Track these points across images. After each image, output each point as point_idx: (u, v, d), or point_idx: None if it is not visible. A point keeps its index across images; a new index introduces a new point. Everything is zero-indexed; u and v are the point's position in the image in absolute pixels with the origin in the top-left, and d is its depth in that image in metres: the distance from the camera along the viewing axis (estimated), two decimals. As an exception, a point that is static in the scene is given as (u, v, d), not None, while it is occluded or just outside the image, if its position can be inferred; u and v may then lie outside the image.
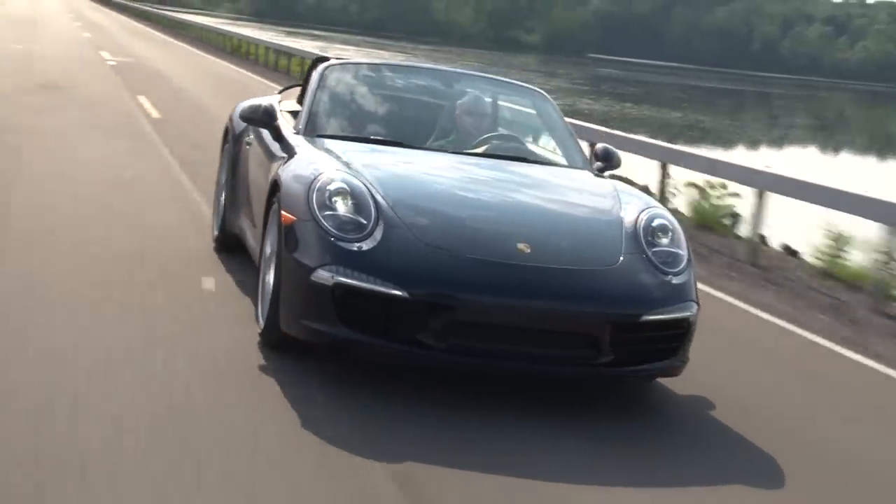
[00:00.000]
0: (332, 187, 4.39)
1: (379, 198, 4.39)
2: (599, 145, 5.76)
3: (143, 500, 3.16)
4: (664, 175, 10.89)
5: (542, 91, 6.04)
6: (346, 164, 4.69)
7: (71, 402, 3.81)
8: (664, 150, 11.32)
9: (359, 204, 4.34)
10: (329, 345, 4.26)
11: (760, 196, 9.17)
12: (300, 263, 4.25)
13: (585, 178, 5.28)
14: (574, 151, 5.56)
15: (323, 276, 4.17)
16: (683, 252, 4.57)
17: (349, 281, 4.13)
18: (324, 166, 4.63)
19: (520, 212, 4.63)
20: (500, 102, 5.97)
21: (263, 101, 5.56)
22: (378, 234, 4.25)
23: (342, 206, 4.33)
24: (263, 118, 5.35)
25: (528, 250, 4.27)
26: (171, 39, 35.35)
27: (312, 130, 5.28)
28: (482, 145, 5.37)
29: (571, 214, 4.76)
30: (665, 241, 4.55)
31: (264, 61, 26.98)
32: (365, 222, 4.28)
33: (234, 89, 17.88)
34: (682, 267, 4.50)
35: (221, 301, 5.38)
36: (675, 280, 4.42)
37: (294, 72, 23.44)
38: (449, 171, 4.99)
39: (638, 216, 4.64)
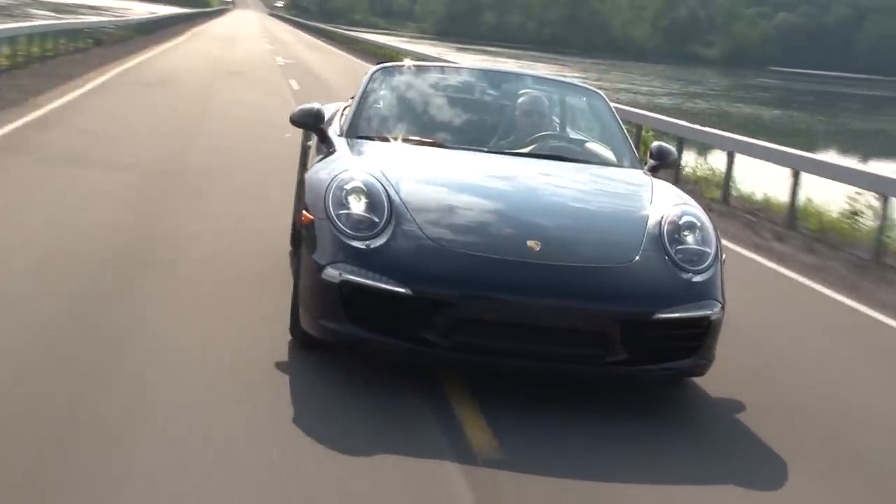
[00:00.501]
0: (348, 186, 4.52)
1: (395, 197, 4.49)
2: (655, 144, 5.82)
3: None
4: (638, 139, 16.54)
5: (596, 90, 6.17)
6: (372, 164, 4.81)
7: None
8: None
9: (373, 203, 4.45)
10: (340, 343, 4.40)
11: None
12: (314, 262, 4.39)
13: (624, 175, 5.38)
14: (623, 149, 5.66)
15: (331, 273, 4.29)
16: (710, 250, 4.58)
17: (355, 279, 4.24)
18: (346, 166, 4.77)
19: (537, 210, 4.67)
20: (564, 100, 6.14)
21: (316, 104, 5.65)
22: (388, 232, 4.35)
23: (357, 205, 4.45)
24: (311, 121, 5.49)
25: (538, 248, 4.33)
26: (338, 51, 43.82)
27: (354, 132, 5.44)
28: (530, 145, 5.53)
29: (593, 212, 4.83)
30: (691, 238, 4.58)
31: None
32: (378, 220, 4.38)
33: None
34: (705, 265, 4.51)
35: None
36: (696, 278, 4.44)
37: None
38: (478, 170, 5.11)
39: (665, 214, 4.67)
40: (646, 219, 4.66)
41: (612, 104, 6.09)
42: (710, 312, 4.40)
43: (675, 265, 4.46)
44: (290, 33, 62.53)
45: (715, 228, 4.76)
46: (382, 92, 5.88)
